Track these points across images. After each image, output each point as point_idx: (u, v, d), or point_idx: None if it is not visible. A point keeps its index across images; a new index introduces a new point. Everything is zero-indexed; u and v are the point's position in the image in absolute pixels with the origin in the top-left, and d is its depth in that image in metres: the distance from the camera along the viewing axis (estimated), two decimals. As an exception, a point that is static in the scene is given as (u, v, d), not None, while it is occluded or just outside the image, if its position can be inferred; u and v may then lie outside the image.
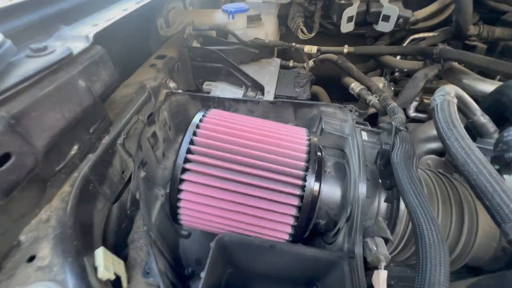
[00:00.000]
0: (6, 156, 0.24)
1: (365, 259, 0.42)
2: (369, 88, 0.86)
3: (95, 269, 0.34)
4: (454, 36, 0.94)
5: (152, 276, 0.39)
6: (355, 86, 0.88)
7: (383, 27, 0.93)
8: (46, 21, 0.36)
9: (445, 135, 0.36)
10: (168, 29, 0.76)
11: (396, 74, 1.07)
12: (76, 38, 0.34)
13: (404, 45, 1.02)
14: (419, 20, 0.91)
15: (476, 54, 0.76)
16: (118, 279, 0.37)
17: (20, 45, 0.31)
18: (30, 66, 0.28)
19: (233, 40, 0.78)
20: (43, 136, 0.28)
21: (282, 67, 0.90)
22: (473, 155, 0.31)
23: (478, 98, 0.71)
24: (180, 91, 0.65)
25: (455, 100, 0.41)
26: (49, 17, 0.36)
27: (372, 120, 1.01)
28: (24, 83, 0.25)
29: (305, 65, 0.93)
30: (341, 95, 1.03)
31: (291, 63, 0.99)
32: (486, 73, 0.79)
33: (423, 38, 1.01)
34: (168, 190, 0.58)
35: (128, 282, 0.39)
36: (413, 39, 1.04)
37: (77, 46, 0.33)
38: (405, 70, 0.89)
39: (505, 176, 0.34)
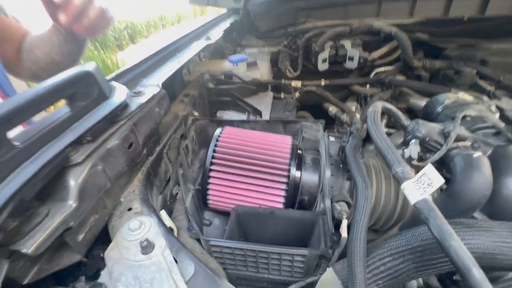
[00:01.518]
0: (131, 144, 0.48)
1: (334, 217, 0.62)
2: (343, 110, 1.12)
3: (162, 219, 0.55)
4: (405, 68, 1.23)
5: (194, 230, 0.59)
6: (332, 109, 1.14)
7: (350, 65, 1.22)
8: (136, 77, 0.62)
9: (371, 130, 0.58)
10: (189, 75, 1.05)
11: (368, 98, 1.34)
12: (153, 86, 0.60)
13: (371, 77, 1.31)
14: (375, 59, 1.21)
15: (415, 81, 1.03)
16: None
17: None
18: (135, 101, 0.53)
19: (237, 81, 1.06)
20: (142, 136, 0.52)
21: (275, 98, 1.17)
22: (382, 138, 0.54)
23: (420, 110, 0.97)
24: (201, 117, 0.91)
25: (380, 110, 0.65)
26: (136, 75, 0.63)
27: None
28: (137, 110, 0.50)
29: (292, 96, 1.21)
30: (323, 117, 1.29)
31: (282, 95, 1.27)
32: (426, 93, 1.05)
33: (384, 71, 1.30)
34: (196, 187, 0.80)
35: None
36: (377, 72, 1.33)
37: (154, 90, 0.58)
38: (369, 95, 1.16)
39: (404, 150, 0.56)
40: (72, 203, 0.36)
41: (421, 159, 0.54)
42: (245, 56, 1.11)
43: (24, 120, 0.32)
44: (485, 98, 0.78)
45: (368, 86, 1.29)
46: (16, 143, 0.31)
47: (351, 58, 1.20)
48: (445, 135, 0.54)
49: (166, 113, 0.64)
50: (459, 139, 0.53)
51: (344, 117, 1.04)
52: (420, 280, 0.58)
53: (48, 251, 0.42)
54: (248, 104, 0.96)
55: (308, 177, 0.70)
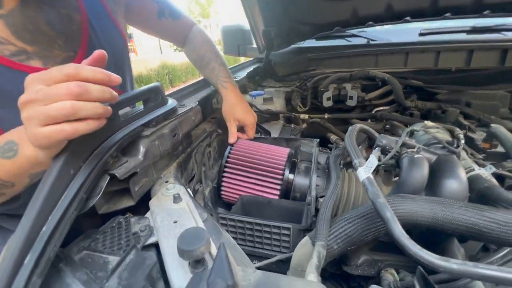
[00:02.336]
0: (175, 134, 0.73)
1: (317, 209, 0.78)
2: (342, 139, 1.31)
3: (187, 193, 0.76)
4: (399, 108, 1.43)
5: (208, 206, 0.78)
6: (333, 137, 1.34)
7: (350, 103, 1.45)
8: (180, 98, 0.91)
9: (346, 140, 0.77)
10: (217, 104, 1.34)
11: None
12: (192, 103, 0.87)
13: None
14: (371, 99, 1.43)
15: (401, 115, 1.23)
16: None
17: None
18: (180, 109, 0.80)
19: (254, 109, 1.33)
20: (182, 132, 0.77)
21: (284, 126, 1.41)
22: (351, 144, 0.73)
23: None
24: (223, 134, 1.16)
25: (357, 129, 0.85)
26: (181, 96, 0.92)
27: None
28: (181, 114, 0.76)
29: (300, 126, 1.44)
30: (325, 145, 1.48)
31: (292, 126, 1.51)
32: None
33: (382, 110, 1.51)
34: (213, 185, 1.01)
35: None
36: (377, 110, 1.54)
37: (192, 104, 0.85)
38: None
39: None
40: (140, 157, 0.59)
41: (379, 159, 0.71)
42: (263, 92, 1.40)
43: (126, 106, 0.58)
44: (457, 129, 0.95)
45: (369, 120, 1.49)
46: (121, 118, 0.57)
47: (351, 97, 1.43)
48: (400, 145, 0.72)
49: (199, 122, 0.90)
50: (409, 147, 0.70)
51: (342, 144, 1.23)
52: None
53: (117, 196, 0.64)
54: (261, 127, 1.20)
55: (300, 179, 0.88)
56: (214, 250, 0.50)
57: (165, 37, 1.12)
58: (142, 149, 0.60)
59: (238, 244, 0.78)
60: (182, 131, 0.77)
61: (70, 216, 0.42)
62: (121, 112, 0.58)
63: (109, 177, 0.51)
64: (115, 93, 0.45)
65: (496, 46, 1.38)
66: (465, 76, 1.42)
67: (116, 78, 0.44)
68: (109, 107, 0.43)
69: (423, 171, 0.63)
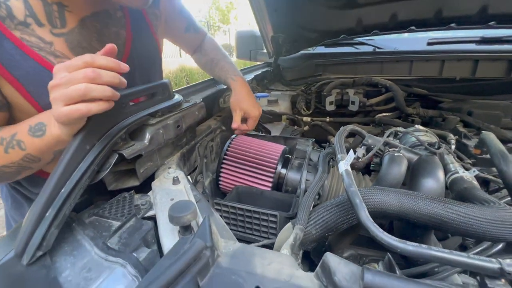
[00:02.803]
0: (178, 125, 0.82)
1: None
2: (341, 141, 1.36)
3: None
4: (403, 115, 1.46)
5: (206, 193, 0.86)
6: (333, 140, 1.39)
7: (352, 108, 1.50)
8: (186, 95, 1.01)
9: (335, 138, 0.83)
10: (224, 104, 1.44)
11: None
12: (198, 98, 0.96)
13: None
14: (373, 104, 1.47)
15: (398, 120, 1.26)
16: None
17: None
18: (185, 104, 0.89)
19: (258, 110, 1.40)
20: (185, 124, 0.86)
21: (286, 127, 1.48)
22: (339, 142, 0.79)
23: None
24: (227, 131, 1.25)
25: (348, 129, 0.90)
26: (187, 93, 1.02)
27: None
28: (185, 108, 0.85)
29: (303, 128, 1.50)
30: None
31: (295, 127, 1.57)
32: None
33: (384, 116, 1.54)
34: (214, 176, 1.09)
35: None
36: (379, 116, 1.57)
37: (197, 100, 0.95)
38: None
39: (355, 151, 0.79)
40: (146, 142, 0.68)
41: (363, 156, 0.77)
42: (267, 94, 1.47)
43: (134, 98, 0.68)
44: (450, 135, 0.98)
45: (370, 125, 1.53)
46: (131, 108, 0.66)
47: (353, 102, 1.48)
48: (384, 143, 0.77)
49: (202, 117, 0.98)
50: (391, 146, 0.75)
51: (340, 145, 1.28)
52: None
53: (125, 176, 0.74)
54: (263, 126, 1.28)
55: (293, 174, 0.94)
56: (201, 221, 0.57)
57: (183, 46, 1.25)
58: (147, 135, 0.69)
59: (230, 229, 0.85)
60: (186, 123, 0.86)
61: (84, 183, 0.51)
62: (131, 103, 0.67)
63: (117, 155, 0.60)
64: (124, 80, 0.54)
65: (502, 57, 1.39)
66: (469, 86, 1.43)
67: (125, 66, 0.53)
68: (117, 92, 0.52)
69: (401, 168, 0.68)
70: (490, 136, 0.87)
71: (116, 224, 0.55)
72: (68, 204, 0.49)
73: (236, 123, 1.09)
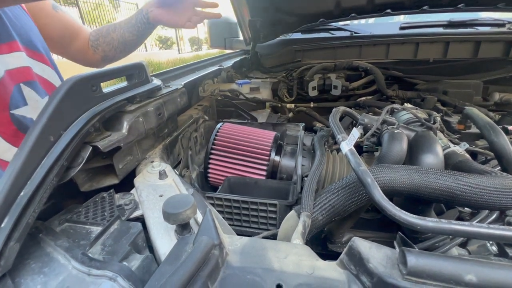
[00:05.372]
0: (160, 113, 0.72)
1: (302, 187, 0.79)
2: (327, 126, 1.34)
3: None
4: (382, 97, 1.48)
5: (195, 187, 0.78)
6: (319, 125, 1.37)
7: (334, 92, 1.49)
8: (165, 80, 0.90)
9: (330, 119, 0.79)
10: (204, 92, 1.34)
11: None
12: (178, 84, 0.86)
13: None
14: (355, 88, 1.47)
15: (381, 101, 1.27)
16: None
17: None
18: (165, 91, 0.79)
19: (241, 97, 1.33)
20: (167, 112, 0.76)
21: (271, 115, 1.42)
22: (335, 122, 0.75)
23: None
24: (210, 120, 1.16)
25: (340, 111, 0.87)
26: (165, 79, 0.91)
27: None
28: (166, 94, 0.76)
29: (288, 115, 1.46)
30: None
31: (279, 115, 1.52)
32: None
33: (366, 99, 1.56)
34: (200, 169, 1.00)
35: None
36: (361, 100, 1.59)
37: (178, 86, 0.85)
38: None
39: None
40: (124, 132, 0.59)
41: (361, 136, 0.74)
42: (249, 81, 1.40)
43: (107, 80, 0.57)
44: (434, 113, 0.99)
45: (353, 109, 1.53)
46: (104, 91, 0.56)
47: (336, 87, 1.47)
48: (381, 122, 0.74)
49: (185, 105, 0.89)
50: (389, 124, 0.73)
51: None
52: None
53: (100, 174, 0.63)
54: (248, 114, 1.21)
55: (286, 161, 0.90)
56: (200, 218, 0.50)
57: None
58: (126, 124, 0.59)
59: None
60: (168, 111, 0.76)
61: (50, 182, 0.41)
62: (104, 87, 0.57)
63: (91, 148, 0.50)
64: None
65: (470, 38, 1.46)
66: (442, 67, 1.49)
67: None
68: None
69: (402, 145, 0.66)
70: (474, 111, 0.90)
71: (96, 229, 0.46)
72: (31, 211, 0.39)
73: None
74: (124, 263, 0.39)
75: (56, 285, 0.35)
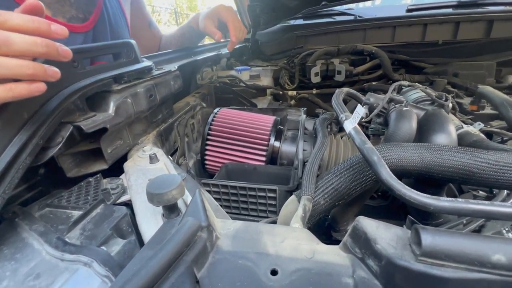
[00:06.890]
0: (151, 95, 0.68)
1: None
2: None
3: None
4: (389, 82, 1.41)
5: (191, 174, 0.74)
6: (321, 112, 1.31)
7: (338, 78, 1.42)
8: (157, 63, 0.86)
9: (333, 100, 0.74)
10: (202, 80, 1.29)
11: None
12: (172, 66, 0.82)
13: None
14: (360, 73, 1.41)
15: (387, 85, 1.21)
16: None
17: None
18: (157, 72, 0.74)
19: (241, 84, 1.28)
20: (159, 95, 0.72)
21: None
22: (338, 103, 0.70)
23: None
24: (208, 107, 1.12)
25: (344, 92, 0.81)
26: (158, 62, 0.87)
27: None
28: (158, 75, 0.71)
29: (289, 102, 1.41)
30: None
31: (280, 102, 1.47)
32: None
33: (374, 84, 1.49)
34: (198, 157, 0.96)
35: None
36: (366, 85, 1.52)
37: (172, 69, 0.80)
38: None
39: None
40: (111, 113, 0.55)
41: (366, 116, 0.69)
42: (248, 67, 1.35)
43: (91, 56, 0.53)
44: (445, 94, 0.93)
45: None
46: (87, 68, 0.52)
47: (339, 72, 1.40)
48: (388, 100, 0.69)
49: (179, 89, 0.84)
50: (397, 102, 0.68)
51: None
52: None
53: (89, 159, 0.60)
54: (248, 100, 1.16)
55: (287, 147, 0.85)
56: (190, 200, 0.46)
57: (147, 41, 1.22)
58: (112, 105, 0.55)
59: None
60: (160, 94, 0.72)
61: (23, 162, 0.38)
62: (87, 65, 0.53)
63: (72, 127, 0.46)
64: (65, 48, 0.36)
65: (482, 17, 1.37)
66: (451, 49, 1.41)
67: (62, 29, 0.35)
68: (54, 68, 0.36)
69: (411, 123, 0.61)
70: (489, 89, 0.83)
71: (77, 214, 0.42)
72: (1, 190, 0.35)
73: (232, 31, 1.09)
74: (103, 247, 0.35)
75: (27, 271, 0.32)
